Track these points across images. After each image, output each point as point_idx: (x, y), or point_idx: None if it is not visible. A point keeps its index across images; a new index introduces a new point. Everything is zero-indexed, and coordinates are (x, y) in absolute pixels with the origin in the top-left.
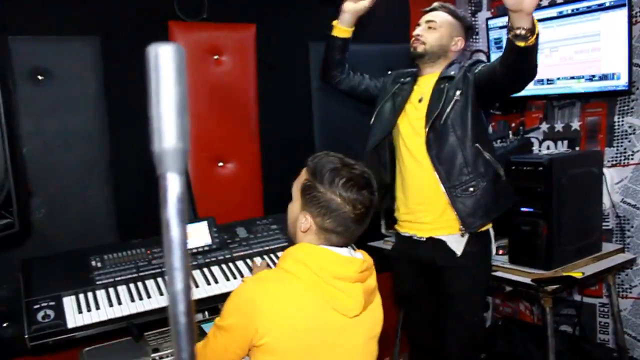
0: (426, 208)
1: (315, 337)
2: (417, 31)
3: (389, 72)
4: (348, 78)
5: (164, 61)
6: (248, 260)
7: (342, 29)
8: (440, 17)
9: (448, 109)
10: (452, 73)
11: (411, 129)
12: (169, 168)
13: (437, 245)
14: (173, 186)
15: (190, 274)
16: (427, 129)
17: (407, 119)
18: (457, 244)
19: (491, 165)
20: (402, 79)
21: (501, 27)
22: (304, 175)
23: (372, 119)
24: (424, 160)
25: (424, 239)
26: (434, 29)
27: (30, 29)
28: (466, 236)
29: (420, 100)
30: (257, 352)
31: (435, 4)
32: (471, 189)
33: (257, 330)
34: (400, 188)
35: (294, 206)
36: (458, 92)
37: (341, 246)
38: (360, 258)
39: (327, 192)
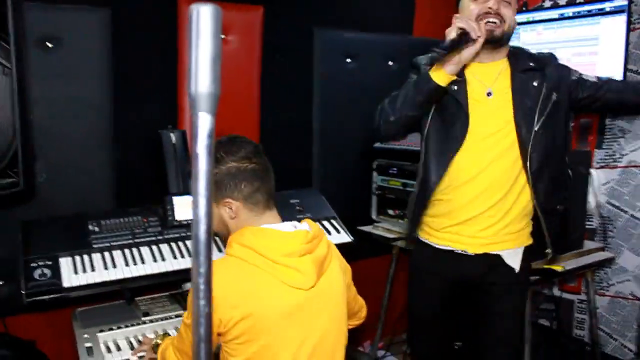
0: (489, 222)
1: (279, 316)
2: (492, 5)
3: (413, 61)
4: None
5: (204, 18)
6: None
7: (449, 77)
8: None
9: (546, 112)
10: (532, 65)
11: (484, 129)
12: (201, 108)
13: (490, 260)
14: (204, 124)
15: (212, 201)
16: (531, 137)
17: (477, 116)
18: (514, 259)
19: (570, 180)
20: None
21: None
22: None
23: (425, 134)
24: (502, 170)
25: (473, 254)
26: (510, 4)
27: None
28: (521, 249)
29: (489, 95)
30: (228, 344)
31: None
32: (559, 206)
33: (220, 320)
34: (444, 195)
35: (213, 212)
36: (554, 95)
37: (270, 207)
38: (304, 229)
39: (223, 167)
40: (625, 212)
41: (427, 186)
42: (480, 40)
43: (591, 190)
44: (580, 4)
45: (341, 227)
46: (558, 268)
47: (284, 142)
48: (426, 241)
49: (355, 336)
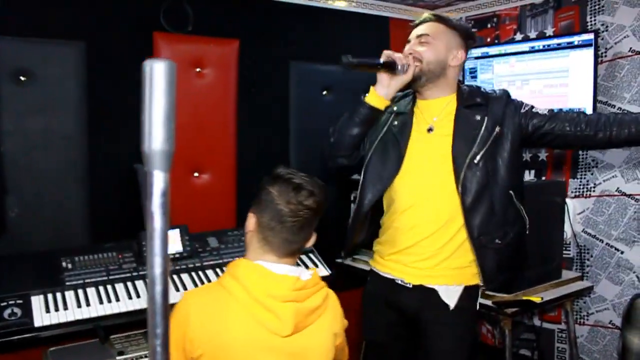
0: (425, 253)
1: (248, 354)
2: (408, 48)
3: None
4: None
5: (157, 74)
6: (218, 270)
7: (382, 100)
8: (432, 29)
9: (487, 145)
10: (479, 100)
11: (421, 163)
12: (155, 166)
13: (425, 294)
14: (158, 182)
15: (169, 261)
16: (464, 167)
17: (416, 151)
18: (450, 295)
19: (520, 217)
20: (395, 108)
21: (477, 58)
22: None
23: (366, 161)
24: (438, 202)
25: (411, 286)
26: (427, 43)
27: (15, 30)
28: (461, 288)
29: (430, 130)
30: None
31: (425, 15)
32: (497, 241)
33: (192, 341)
34: (389, 224)
35: None
36: (498, 128)
37: (279, 255)
38: (295, 276)
39: (267, 188)
40: (601, 240)
41: (360, 211)
42: (409, 72)
43: (567, 219)
44: (549, 37)
45: (319, 260)
46: (536, 299)
47: (261, 174)
48: (374, 269)
49: None
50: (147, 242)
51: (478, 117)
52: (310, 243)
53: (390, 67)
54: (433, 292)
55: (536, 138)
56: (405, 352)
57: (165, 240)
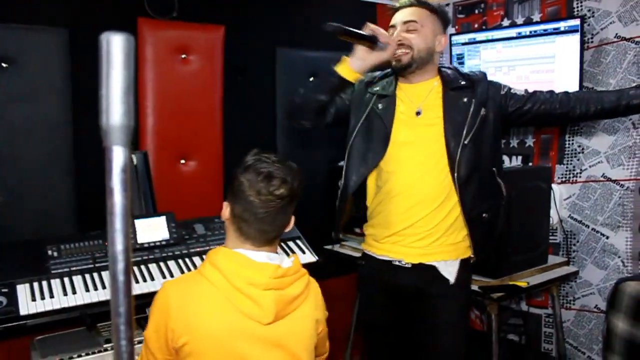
0: (422, 232)
1: (230, 342)
2: (396, 35)
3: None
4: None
5: (115, 47)
6: (204, 257)
7: (353, 72)
8: (418, 14)
9: (475, 126)
10: (463, 83)
11: (410, 146)
12: (114, 142)
13: (425, 272)
14: (118, 158)
15: (130, 237)
16: (459, 150)
17: (403, 134)
18: (450, 270)
19: (501, 191)
20: (378, 88)
21: (464, 44)
22: None
23: (350, 142)
24: (432, 184)
25: (410, 265)
26: (415, 30)
27: None
28: (458, 262)
29: (418, 114)
30: (181, 358)
31: None
32: (484, 215)
33: (173, 330)
34: (381, 207)
35: None
36: (483, 110)
37: (256, 244)
38: (275, 264)
39: (239, 177)
40: (587, 226)
41: (346, 193)
42: (389, 50)
43: (553, 205)
44: (536, 23)
45: (306, 247)
46: (522, 284)
47: None
48: (369, 253)
49: None
50: (108, 218)
51: (465, 99)
52: (288, 228)
53: (372, 42)
54: (432, 269)
55: (514, 117)
56: (403, 332)
57: (127, 217)
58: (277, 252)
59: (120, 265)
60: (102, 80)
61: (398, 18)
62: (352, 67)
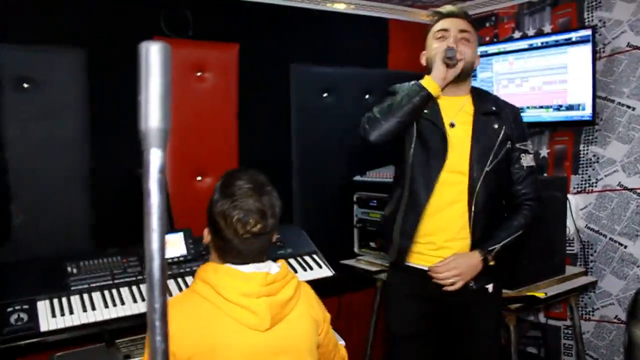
0: (456, 247)
1: (235, 353)
2: (451, 44)
3: (389, 89)
4: None
5: (153, 55)
6: None
7: (438, 90)
8: (469, 27)
9: (501, 154)
10: (494, 109)
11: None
12: (152, 144)
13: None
14: (155, 160)
15: (165, 237)
16: (480, 180)
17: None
18: (487, 278)
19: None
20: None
21: None
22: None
23: (411, 151)
24: (454, 209)
25: None
26: (468, 42)
27: (18, 37)
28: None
29: (452, 125)
30: None
31: (459, 8)
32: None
33: (174, 354)
34: (424, 217)
35: None
36: (509, 143)
37: (245, 262)
38: (264, 272)
39: (214, 217)
40: (605, 235)
41: (416, 210)
42: (460, 65)
43: (569, 215)
44: (547, 34)
45: (322, 261)
46: (540, 295)
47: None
48: (404, 262)
49: None
50: (145, 218)
51: (496, 126)
52: (273, 240)
53: (452, 60)
54: None
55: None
56: (436, 343)
57: (163, 217)
58: (264, 261)
59: (156, 263)
60: (140, 87)
61: (453, 25)
62: (439, 84)
